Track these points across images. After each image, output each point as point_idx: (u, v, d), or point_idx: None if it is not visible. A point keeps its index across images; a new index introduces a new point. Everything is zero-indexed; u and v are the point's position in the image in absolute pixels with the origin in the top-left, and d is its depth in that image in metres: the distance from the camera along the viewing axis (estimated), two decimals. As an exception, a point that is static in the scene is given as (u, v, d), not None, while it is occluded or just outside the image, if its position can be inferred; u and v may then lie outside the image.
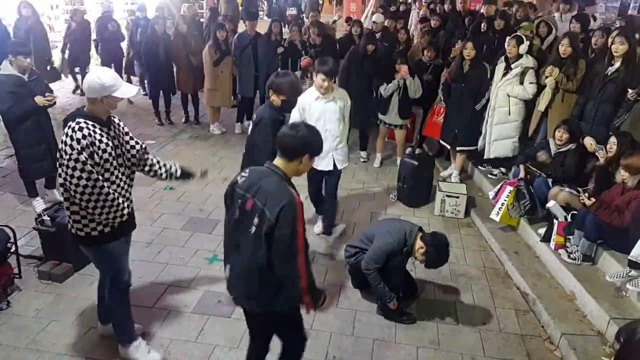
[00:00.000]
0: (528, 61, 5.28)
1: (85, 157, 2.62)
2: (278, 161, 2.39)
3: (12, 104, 4.37)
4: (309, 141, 2.39)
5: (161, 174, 3.18)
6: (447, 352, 3.43)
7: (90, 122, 2.67)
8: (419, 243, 3.53)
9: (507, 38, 5.41)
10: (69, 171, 2.62)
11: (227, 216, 2.51)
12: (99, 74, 2.70)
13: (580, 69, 4.92)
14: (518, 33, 5.62)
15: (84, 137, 2.62)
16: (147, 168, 3.12)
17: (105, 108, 2.76)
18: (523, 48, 5.24)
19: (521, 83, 5.26)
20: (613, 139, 4.18)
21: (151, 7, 9.62)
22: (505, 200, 4.73)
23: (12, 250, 3.82)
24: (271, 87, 3.64)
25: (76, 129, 2.62)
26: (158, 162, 3.18)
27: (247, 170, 2.46)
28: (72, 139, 2.61)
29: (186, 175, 3.30)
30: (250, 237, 2.31)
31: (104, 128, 2.74)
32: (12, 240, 3.80)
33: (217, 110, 7.76)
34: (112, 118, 2.88)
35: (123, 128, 2.98)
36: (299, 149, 2.36)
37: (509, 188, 4.74)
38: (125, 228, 2.98)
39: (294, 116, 4.12)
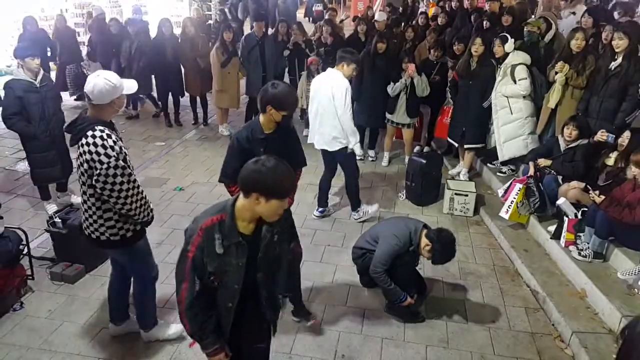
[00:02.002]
0: (514, 57, 5.26)
1: (122, 163, 2.67)
2: (239, 196, 2.08)
3: (16, 112, 4.44)
4: (262, 178, 1.96)
5: None
6: (456, 351, 3.42)
7: (107, 130, 2.69)
8: (424, 241, 3.51)
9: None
10: (110, 179, 2.63)
11: None
12: (106, 78, 2.67)
13: (590, 64, 4.87)
14: (526, 29, 5.59)
15: (115, 142, 2.66)
16: None
17: (115, 109, 2.77)
18: (508, 46, 5.24)
19: (515, 81, 5.24)
20: (627, 133, 4.15)
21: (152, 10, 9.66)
22: (514, 198, 4.68)
23: (24, 252, 3.88)
24: (271, 102, 3.06)
25: (104, 137, 2.63)
26: None
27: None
28: (105, 147, 2.61)
29: None
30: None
31: (113, 132, 2.77)
32: (24, 242, 3.85)
33: (226, 111, 7.80)
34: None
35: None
36: (250, 185, 1.99)
37: (518, 186, 4.69)
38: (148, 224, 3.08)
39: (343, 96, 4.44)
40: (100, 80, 2.65)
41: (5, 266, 3.59)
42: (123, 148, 2.78)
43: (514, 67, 5.23)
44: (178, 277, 2.17)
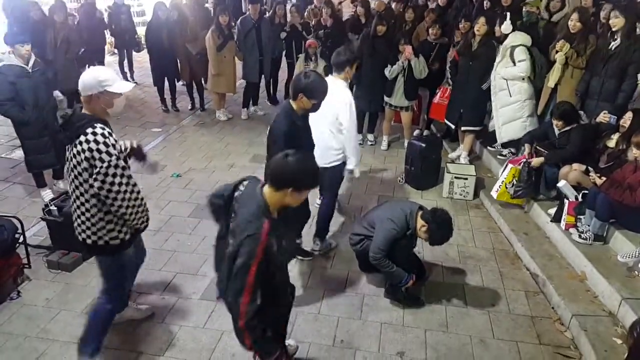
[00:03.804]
0: (514, 39, 5.17)
1: (122, 162, 2.62)
2: (266, 187, 2.21)
3: (10, 99, 4.37)
4: (296, 174, 2.16)
5: None
6: (455, 335, 3.41)
7: (107, 128, 2.61)
8: (420, 222, 3.46)
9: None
10: (109, 178, 2.56)
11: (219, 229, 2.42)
12: (93, 71, 2.64)
13: (590, 44, 4.79)
14: (525, 9, 5.49)
15: (116, 141, 2.61)
16: None
17: (102, 106, 2.64)
18: (505, 27, 5.14)
19: (514, 62, 5.15)
20: (629, 115, 4.10)
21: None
22: (504, 178, 4.68)
23: (20, 241, 3.85)
24: (303, 91, 3.22)
25: (106, 134, 2.56)
26: None
27: (246, 183, 2.34)
28: (106, 145, 2.54)
29: (138, 154, 3.06)
30: (227, 257, 2.16)
31: (113, 133, 2.68)
32: (20, 230, 3.82)
33: (222, 96, 7.72)
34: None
35: None
36: (284, 181, 2.16)
37: (510, 166, 4.70)
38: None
39: (348, 112, 3.85)
40: (89, 72, 2.64)
41: (1, 255, 3.56)
42: (122, 147, 2.73)
43: (513, 48, 5.14)
44: (233, 293, 2.10)
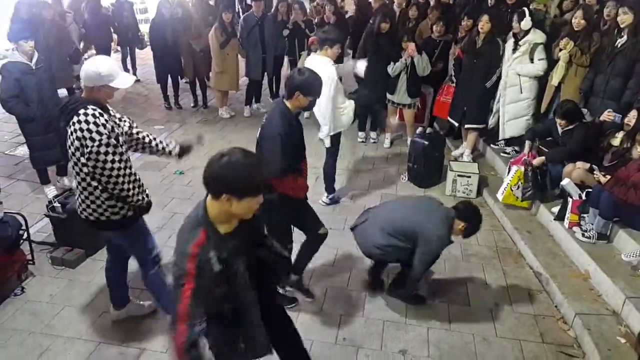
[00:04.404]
0: (536, 36, 5.13)
1: (114, 141, 2.66)
2: (209, 196, 1.89)
3: (15, 95, 4.38)
4: (227, 178, 1.78)
5: (157, 149, 3.15)
6: (458, 333, 3.41)
7: (98, 109, 2.67)
8: (459, 224, 3.33)
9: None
10: (102, 157, 2.62)
11: None
12: (97, 63, 2.68)
13: (595, 42, 4.77)
14: (531, 7, 5.46)
15: (106, 121, 2.65)
16: (140, 145, 3.07)
17: (103, 97, 2.72)
18: (525, 23, 5.09)
19: (531, 60, 5.13)
20: (634, 113, 4.08)
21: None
22: (509, 181, 4.69)
23: (24, 237, 3.87)
24: (299, 88, 3.10)
25: (96, 114, 2.62)
26: (149, 136, 3.13)
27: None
28: (96, 124, 2.60)
29: (186, 150, 3.24)
30: None
31: (105, 113, 2.73)
32: (24, 227, 3.84)
33: (225, 94, 7.72)
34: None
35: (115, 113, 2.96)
36: (217, 187, 1.81)
37: (514, 168, 4.70)
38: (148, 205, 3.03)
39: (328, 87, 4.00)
40: (91, 64, 2.68)
41: (5, 251, 3.58)
42: (116, 128, 2.75)
43: (536, 45, 5.10)
44: (172, 319, 1.83)
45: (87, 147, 2.61)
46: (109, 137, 2.63)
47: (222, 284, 1.87)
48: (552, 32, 5.35)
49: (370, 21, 7.27)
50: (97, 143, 2.60)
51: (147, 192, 2.99)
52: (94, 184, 2.74)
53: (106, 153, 2.63)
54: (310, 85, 3.13)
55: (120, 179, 2.71)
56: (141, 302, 3.50)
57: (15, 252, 3.71)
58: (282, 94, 3.31)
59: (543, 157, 4.57)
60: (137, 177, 2.88)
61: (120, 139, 2.77)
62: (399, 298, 3.67)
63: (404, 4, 7.68)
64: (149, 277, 3.14)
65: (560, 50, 4.88)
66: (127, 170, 2.75)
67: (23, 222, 3.84)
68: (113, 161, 2.66)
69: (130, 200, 2.83)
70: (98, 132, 2.60)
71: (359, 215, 3.72)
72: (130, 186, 2.79)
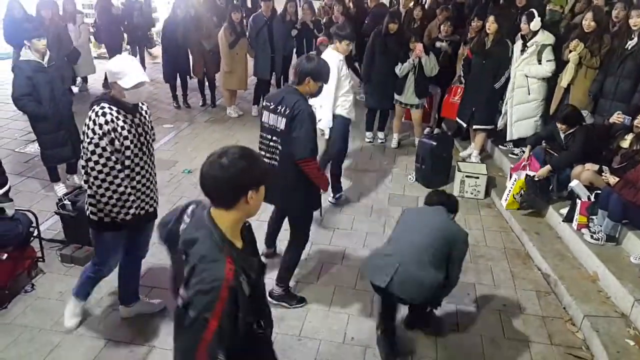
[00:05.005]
0: (544, 38, 5.11)
1: (105, 143, 2.65)
2: (214, 210, 1.66)
3: (27, 94, 4.41)
4: (245, 169, 1.61)
5: None
6: (466, 334, 3.41)
7: (114, 108, 2.69)
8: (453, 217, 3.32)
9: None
10: (88, 154, 2.67)
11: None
12: (114, 60, 2.75)
13: (605, 44, 4.74)
14: (548, 7, 5.43)
15: (106, 122, 2.64)
16: None
17: (117, 94, 2.74)
18: (535, 24, 5.07)
19: (539, 61, 5.11)
20: None
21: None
22: (511, 188, 4.77)
23: (34, 235, 3.90)
24: (310, 74, 3.18)
25: (99, 113, 2.65)
26: None
27: (190, 210, 1.79)
28: (94, 123, 2.64)
29: None
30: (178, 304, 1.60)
31: (128, 115, 2.75)
32: (34, 224, 3.87)
33: (234, 93, 7.75)
34: (140, 106, 2.90)
35: (149, 117, 3.00)
36: (233, 193, 1.62)
37: (514, 176, 4.78)
38: (132, 223, 2.92)
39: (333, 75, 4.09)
40: (114, 60, 2.76)
41: (16, 248, 3.61)
42: (130, 134, 2.73)
43: (544, 47, 5.09)
44: (181, 352, 1.59)
45: (84, 141, 2.69)
46: (100, 139, 2.63)
47: (251, 311, 1.65)
48: (565, 33, 5.32)
49: (365, 21, 7.34)
50: (88, 140, 2.65)
51: (135, 212, 2.87)
52: (85, 177, 2.79)
53: (92, 152, 2.65)
54: (320, 71, 3.23)
55: (97, 182, 2.70)
56: (151, 301, 3.52)
57: (25, 249, 3.75)
58: (292, 81, 3.35)
59: (549, 166, 4.55)
60: (129, 195, 2.80)
61: (127, 143, 2.72)
62: (427, 327, 3.40)
63: (410, 4, 7.69)
64: (85, 270, 3.23)
65: (570, 51, 4.86)
66: (109, 178, 2.70)
67: (33, 220, 3.87)
68: (97, 162, 2.66)
69: (102, 207, 2.80)
70: (92, 131, 2.64)
71: (376, 272, 3.06)
72: (111, 198, 2.74)
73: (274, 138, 3.25)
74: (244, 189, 1.62)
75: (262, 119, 3.35)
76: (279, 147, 3.23)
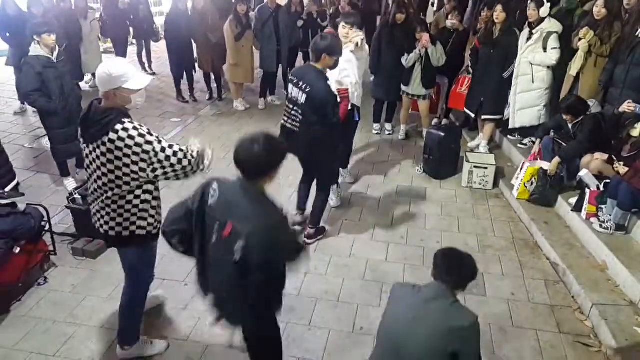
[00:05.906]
0: (551, 25, 5.06)
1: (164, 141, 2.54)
2: (252, 183, 2.23)
3: (37, 89, 4.44)
4: (269, 158, 2.21)
5: None
6: (475, 323, 3.42)
7: (133, 120, 2.51)
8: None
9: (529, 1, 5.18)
10: (167, 160, 2.50)
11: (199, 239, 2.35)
12: (108, 65, 2.47)
13: (615, 32, 4.69)
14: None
15: (147, 130, 2.49)
16: None
17: (120, 104, 2.51)
18: (544, 11, 5.01)
19: (544, 49, 5.07)
20: None
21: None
22: (522, 178, 4.75)
23: (46, 229, 3.95)
24: (325, 50, 3.67)
25: (136, 125, 2.44)
26: None
27: (215, 187, 2.29)
28: (142, 135, 2.42)
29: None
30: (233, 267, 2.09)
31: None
32: (45, 218, 3.92)
33: (240, 86, 7.75)
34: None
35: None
36: (265, 169, 2.21)
37: (526, 165, 4.75)
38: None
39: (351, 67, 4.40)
40: (102, 67, 2.47)
41: (28, 242, 3.66)
42: None
43: (549, 34, 5.04)
44: (254, 285, 2.15)
45: (145, 161, 2.45)
46: (159, 142, 2.48)
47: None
48: (580, 21, 5.26)
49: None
50: (153, 152, 2.43)
51: (128, 228, 2.72)
52: (139, 192, 2.64)
53: (167, 158, 2.51)
54: (334, 47, 3.71)
55: (188, 159, 2.64)
56: (152, 293, 3.52)
57: (38, 242, 3.80)
58: (311, 58, 3.80)
59: (557, 159, 4.53)
60: (114, 211, 2.64)
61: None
62: None
63: None
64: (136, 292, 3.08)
65: (580, 39, 4.81)
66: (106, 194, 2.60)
67: (45, 214, 3.92)
68: (176, 153, 2.58)
69: (157, 219, 2.81)
70: (148, 142, 2.42)
71: None
72: (96, 208, 2.71)
73: (295, 108, 3.84)
74: (269, 170, 2.20)
75: (287, 90, 3.93)
76: (299, 116, 3.81)
